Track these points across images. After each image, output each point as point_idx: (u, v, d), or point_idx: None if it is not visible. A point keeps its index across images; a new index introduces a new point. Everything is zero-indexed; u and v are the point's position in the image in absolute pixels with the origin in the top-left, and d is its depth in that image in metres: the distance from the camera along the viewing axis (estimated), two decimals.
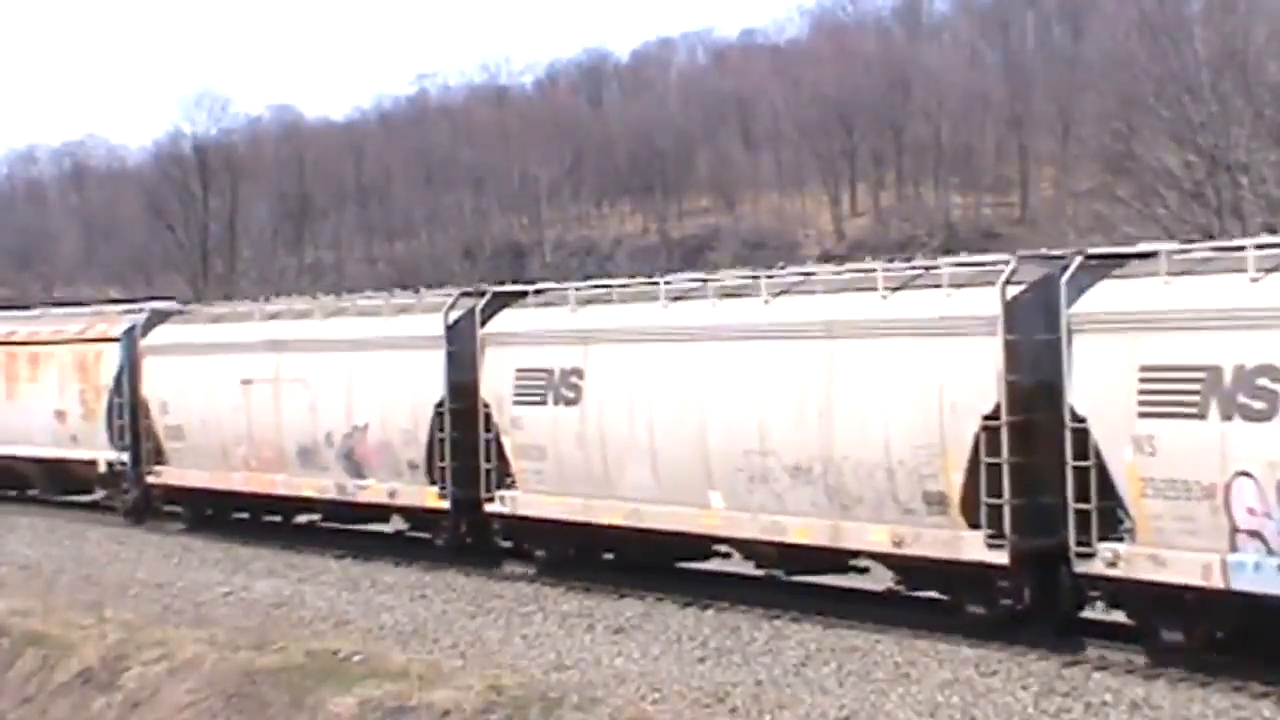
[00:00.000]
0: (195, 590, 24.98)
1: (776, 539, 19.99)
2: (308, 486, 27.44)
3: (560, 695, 16.71)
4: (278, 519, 30.02)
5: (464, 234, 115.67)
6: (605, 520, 22.11)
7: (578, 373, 22.39)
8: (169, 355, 30.94)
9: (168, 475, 30.78)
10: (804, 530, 19.49)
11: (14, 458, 35.63)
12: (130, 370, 31.76)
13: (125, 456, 31.91)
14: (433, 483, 24.81)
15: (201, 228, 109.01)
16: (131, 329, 32.11)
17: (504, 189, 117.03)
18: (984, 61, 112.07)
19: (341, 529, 28.64)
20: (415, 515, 26.04)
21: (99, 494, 33.85)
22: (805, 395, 19.27)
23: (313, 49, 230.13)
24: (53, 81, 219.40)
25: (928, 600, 19.82)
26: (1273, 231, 38.61)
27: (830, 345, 19.18)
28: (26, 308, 45.52)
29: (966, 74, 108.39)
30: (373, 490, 26.12)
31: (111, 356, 32.32)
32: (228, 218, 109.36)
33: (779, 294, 20.23)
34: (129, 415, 31.71)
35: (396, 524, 27.44)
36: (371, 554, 26.76)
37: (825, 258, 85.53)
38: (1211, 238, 29.13)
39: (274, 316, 29.15)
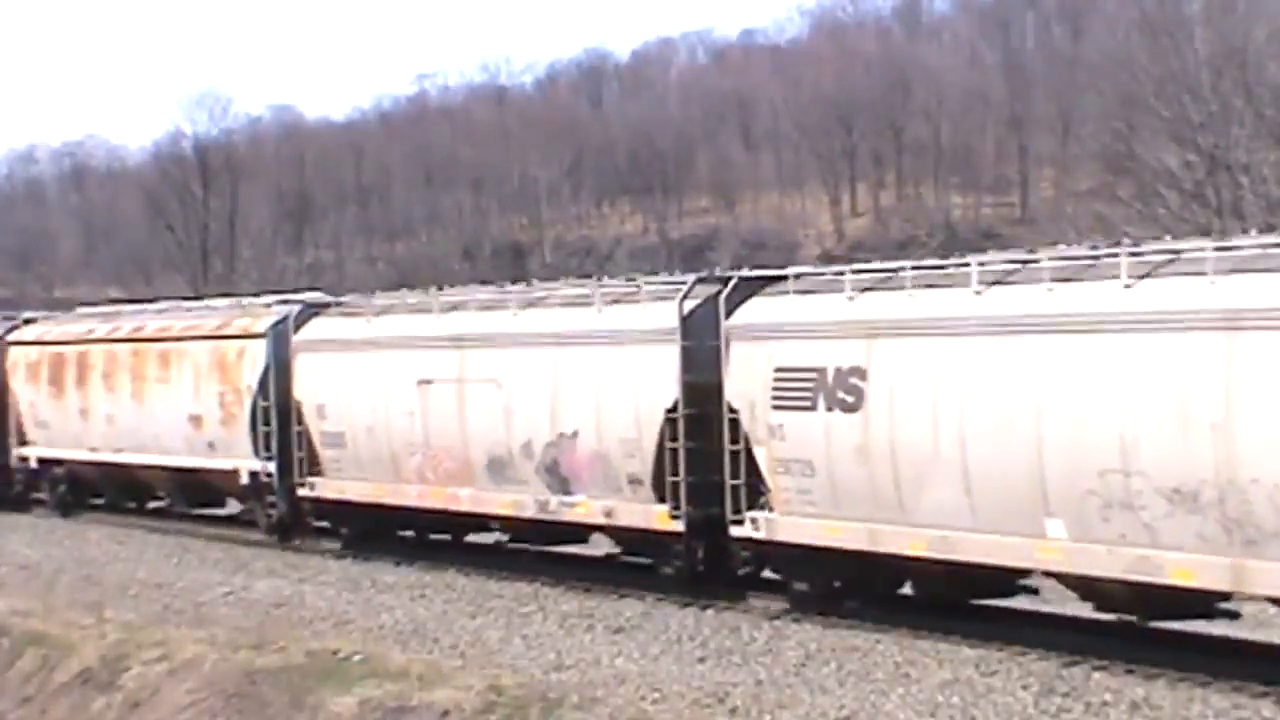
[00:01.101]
0: (195, 590, 24.96)
1: (1145, 579, 16.28)
2: (500, 503, 23.78)
3: (560, 695, 16.70)
4: (446, 537, 26.58)
5: (464, 234, 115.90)
6: (900, 550, 18.50)
7: (859, 372, 18.66)
8: (326, 353, 27.13)
9: (323, 488, 27.06)
10: (1187, 570, 15.81)
11: (139, 466, 32.03)
12: (278, 370, 27.99)
13: (271, 466, 28.12)
14: (661, 500, 21.13)
15: (201, 228, 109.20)
16: (279, 324, 28.30)
17: (504, 189, 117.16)
18: (984, 61, 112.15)
19: (537, 551, 24.88)
20: (635, 538, 22.51)
21: (238, 508, 30.92)
22: (1192, 402, 15.60)
23: (313, 49, 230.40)
24: (53, 81, 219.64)
25: (927, 600, 19.82)
26: (1273, 230, 38.59)
27: (1231, 339, 15.40)
28: (22, 307, 45.29)
29: (966, 74, 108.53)
30: (583, 508, 22.41)
31: (256, 355, 28.60)
32: (228, 218, 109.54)
33: (1143, 276, 16.49)
34: (276, 420, 27.95)
35: (596, 545, 24.35)
36: (371, 554, 26.75)
37: (825, 258, 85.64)
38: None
39: (456, 308, 25.22)
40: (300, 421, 27.36)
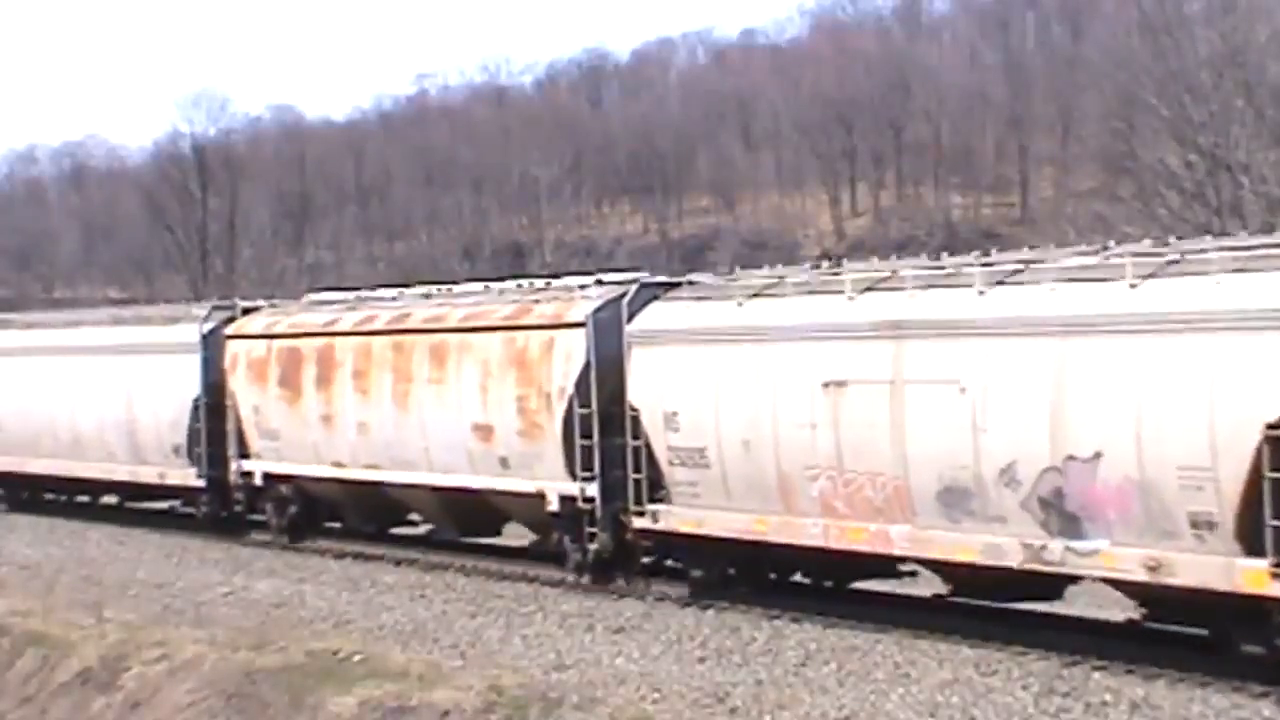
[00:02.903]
0: (195, 590, 24.97)
1: None
2: (958, 546, 17.99)
3: (560, 695, 16.72)
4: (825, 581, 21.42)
5: (464, 234, 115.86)
6: None
7: None
8: (678, 346, 21.34)
9: (671, 519, 21.28)
10: None
11: (399, 486, 26.17)
12: (603, 368, 22.30)
13: (593, 490, 22.40)
14: (1253, 553, 15.44)
15: (201, 228, 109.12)
16: (605, 309, 22.60)
17: (504, 189, 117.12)
18: (984, 61, 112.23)
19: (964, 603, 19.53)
20: (1192, 601, 16.32)
21: (520, 536, 25.48)
22: None
23: (313, 49, 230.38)
24: (53, 81, 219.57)
25: (927, 600, 19.84)
26: (1273, 230, 38.61)
27: None
28: (22, 307, 44.39)
29: (966, 74, 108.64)
30: (1108, 559, 16.59)
31: (572, 349, 22.77)
32: (228, 218, 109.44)
33: None
34: (600, 432, 22.30)
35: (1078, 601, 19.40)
36: (371, 554, 26.72)
37: (825, 258, 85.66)
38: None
39: (876, 285, 19.31)
40: (637, 434, 21.65)
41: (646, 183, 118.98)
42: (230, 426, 29.39)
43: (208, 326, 30.49)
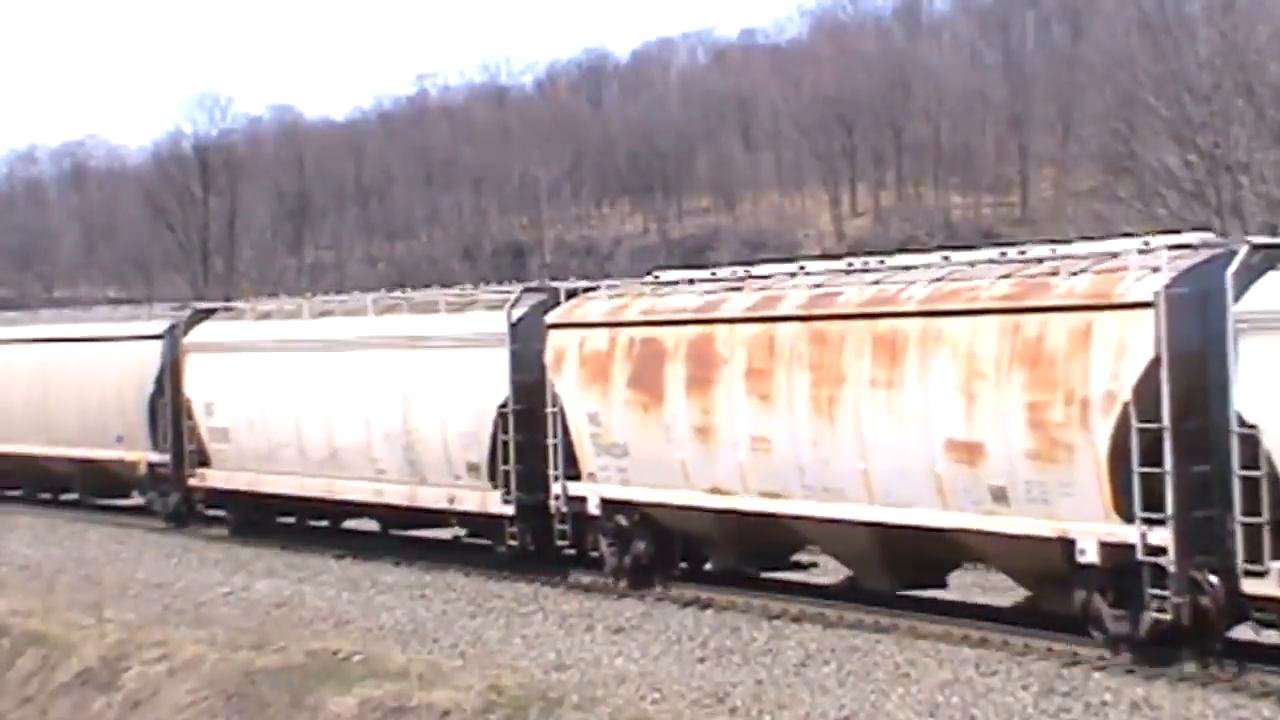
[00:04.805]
0: (195, 590, 24.97)
1: None
2: None
3: (560, 695, 16.72)
4: None
5: (464, 234, 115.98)
6: None
7: None
8: None
9: None
10: None
11: (811, 520, 19.84)
12: (1178, 366, 16.00)
13: (1160, 536, 16.09)
14: None
15: (201, 228, 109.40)
16: (1188, 280, 16.20)
17: (504, 189, 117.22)
18: (984, 61, 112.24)
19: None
20: None
21: (1026, 595, 19.08)
22: None
23: (313, 49, 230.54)
24: (53, 81, 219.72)
25: (927, 600, 19.83)
26: (1273, 231, 38.64)
27: None
28: (22, 307, 43.58)
29: (966, 74, 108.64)
30: None
31: (1126, 338, 16.38)
32: (228, 218, 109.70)
33: None
34: (1176, 457, 15.96)
35: None
36: (371, 554, 26.71)
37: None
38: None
39: None
40: (1253, 461, 15.37)
41: (646, 183, 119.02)
42: (552, 439, 23.17)
43: (518, 313, 24.19)
